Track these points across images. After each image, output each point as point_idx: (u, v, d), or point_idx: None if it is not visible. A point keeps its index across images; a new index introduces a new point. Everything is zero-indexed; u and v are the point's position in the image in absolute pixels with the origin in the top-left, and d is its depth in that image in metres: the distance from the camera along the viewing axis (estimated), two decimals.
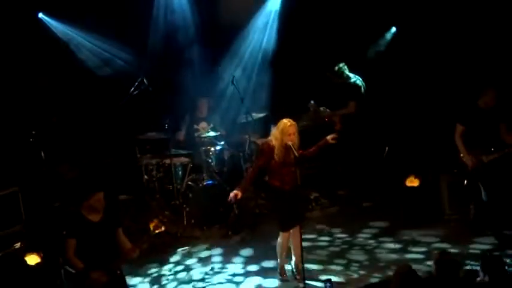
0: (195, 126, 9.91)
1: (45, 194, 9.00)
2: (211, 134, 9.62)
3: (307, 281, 7.15)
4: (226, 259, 8.29)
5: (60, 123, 9.77)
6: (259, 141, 9.52)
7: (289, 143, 7.09)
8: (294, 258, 7.60)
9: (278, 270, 7.63)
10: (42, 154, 9.17)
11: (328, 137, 7.40)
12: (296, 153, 7.04)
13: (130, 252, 6.60)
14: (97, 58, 10.31)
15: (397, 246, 8.17)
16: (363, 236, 8.62)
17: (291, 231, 7.43)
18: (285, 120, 7.25)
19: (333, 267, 7.81)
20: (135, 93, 9.31)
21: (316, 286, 7.26)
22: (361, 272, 7.62)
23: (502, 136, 8.06)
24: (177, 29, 10.40)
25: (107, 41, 10.22)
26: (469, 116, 8.11)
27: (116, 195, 9.26)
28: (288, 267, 7.66)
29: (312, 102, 9.78)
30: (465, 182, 8.30)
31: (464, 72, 9.87)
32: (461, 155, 8.19)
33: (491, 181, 8.11)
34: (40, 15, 9.96)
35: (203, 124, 9.93)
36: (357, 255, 8.08)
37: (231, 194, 7.34)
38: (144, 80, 9.40)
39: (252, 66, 10.85)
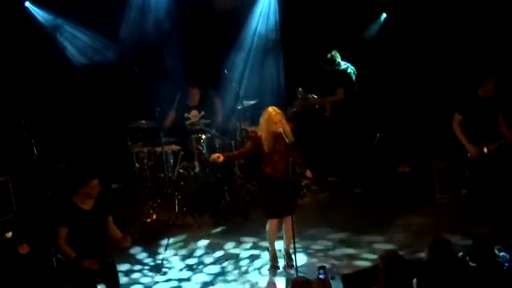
0: (186, 115, 9.89)
1: (36, 183, 8.99)
2: (203, 121, 9.62)
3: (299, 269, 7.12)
4: (219, 247, 8.29)
5: (42, 112, 9.67)
6: (250, 129, 9.52)
7: (280, 129, 7.04)
8: (284, 247, 7.61)
9: (269, 258, 7.63)
10: (33, 143, 9.14)
11: (307, 174, 7.45)
12: (287, 140, 7.01)
13: (122, 240, 6.61)
14: (83, 47, 10.23)
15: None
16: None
17: (284, 220, 7.39)
18: (269, 109, 7.22)
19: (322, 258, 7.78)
20: (124, 82, 9.28)
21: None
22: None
23: (501, 128, 7.97)
24: (163, 16, 10.31)
25: (95, 30, 10.14)
26: (469, 105, 8.00)
27: (107, 183, 9.25)
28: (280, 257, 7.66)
29: (300, 89, 9.78)
30: (467, 173, 8.21)
31: (460, 60, 9.77)
32: (463, 144, 8.05)
33: (490, 171, 8.02)
34: (26, 3, 9.90)
35: (194, 112, 9.90)
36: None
37: (214, 155, 7.37)
38: (135, 69, 9.39)
39: (245, 53, 10.77)
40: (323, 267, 5.86)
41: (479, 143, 7.99)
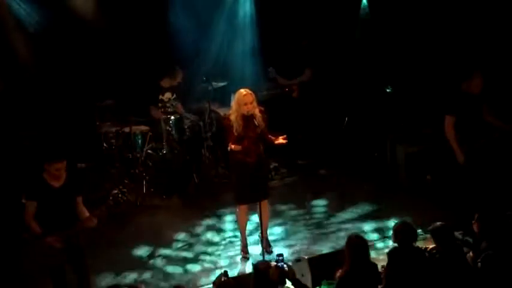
0: (160, 97, 9.77)
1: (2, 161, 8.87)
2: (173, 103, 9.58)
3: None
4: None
5: (6, 90, 9.51)
6: (219, 110, 9.50)
7: (250, 112, 7.01)
8: (261, 232, 7.43)
9: (240, 247, 7.56)
10: None
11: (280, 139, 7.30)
12: (257, 123, 7.00)
13: (88, 221, 6.55)
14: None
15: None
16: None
17: (260, 205, 7.19)
18: (241, 90, 7.17)
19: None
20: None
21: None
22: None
23: (488, 119, 7.52)
24: None
25: None
26: (460, 104, 7.42)
27: (74, 162, 9.15)
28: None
29: (271, 68, 9.75)
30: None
31: (433, 50, 9.68)
32: (454, 149, 7.45)
33: (482, 169, 7.57)
34: None
35: (168, 94, 9.76)
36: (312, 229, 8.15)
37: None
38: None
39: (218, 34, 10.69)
40: (280, 255, 5.84)
41: (476, 141, 7.49)
